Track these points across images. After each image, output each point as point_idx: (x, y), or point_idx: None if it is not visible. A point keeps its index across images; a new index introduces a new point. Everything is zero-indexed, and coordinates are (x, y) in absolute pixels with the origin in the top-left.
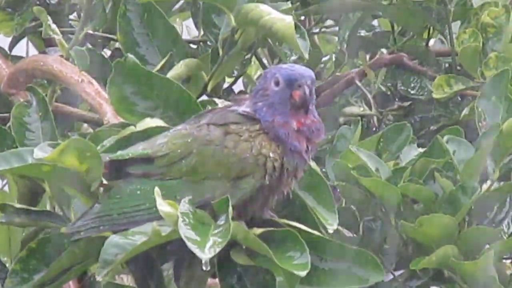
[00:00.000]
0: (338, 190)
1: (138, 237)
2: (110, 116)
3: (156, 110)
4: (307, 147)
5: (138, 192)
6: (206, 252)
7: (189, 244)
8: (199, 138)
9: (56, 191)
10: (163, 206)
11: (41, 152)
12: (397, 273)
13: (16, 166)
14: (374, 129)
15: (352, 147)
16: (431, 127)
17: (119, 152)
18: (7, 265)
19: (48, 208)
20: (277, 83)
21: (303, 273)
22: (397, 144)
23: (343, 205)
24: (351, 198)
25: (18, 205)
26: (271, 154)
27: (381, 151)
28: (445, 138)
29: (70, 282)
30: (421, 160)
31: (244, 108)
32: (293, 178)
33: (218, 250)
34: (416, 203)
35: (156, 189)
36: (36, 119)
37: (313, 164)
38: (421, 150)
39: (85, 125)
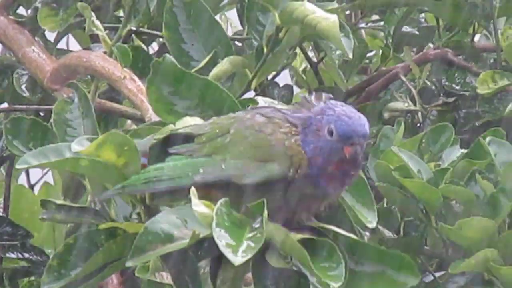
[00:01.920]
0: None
1: (173, 228)
2: (152, 113)
3: (195, 110)
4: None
5: (164, 166)
6: (239, 256)
7: (222, 248)
8: (242, 121)
9: (96, 186)
10: (198, 206)
11: (79, 146)
12: (437, 274)
13: (54, 160)
14: (418, 124)
15: (394, 147)
16: (476, 123)
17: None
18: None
19: (88, 202)
20: (330, 134)
21: (336, 285)
22: (439, 145)
23: (385, 205)
24: (392, 198)
25: (59, 202)
26: (300, 156)
27: (423, 151)
28: (487, 139)
29: (113, 276)
30: (462, 161)
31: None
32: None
33: (251, 255)
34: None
35: (192, 189)
36: (78, 115)
37: None
38: (463, 151)
39: (129, 121)
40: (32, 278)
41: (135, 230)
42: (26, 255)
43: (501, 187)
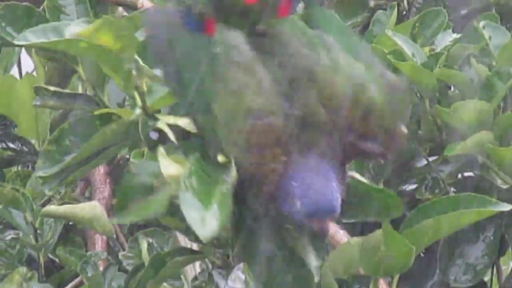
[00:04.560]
0: None
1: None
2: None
3: None
4: None
5: None
6: (207, 230)
7: (189, 222)
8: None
9: (90, 72)
10: (167, 168)
11: (77, 27)
12: (431, 158)
13: (54, 40)
14: (404, 12)
15: (388, 31)
16: (462, 11)
17: None
18: (36, 146)
19: (80, 91)
20: (297, 206)
21: None
22: (432, 30)
23: None
24: None
25: (52, 88)
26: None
27: (416, 36)
28: (482, 23)
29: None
30: (456, 45)
31: None
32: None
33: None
34: (451, 89)
35: (161, 150)
36: (71, 2)
37: None
38: (456, 36)
39: (120, 8)
40: (19, 168)
41: (129, 116)
42: (11, 145)
43: (496, 71)
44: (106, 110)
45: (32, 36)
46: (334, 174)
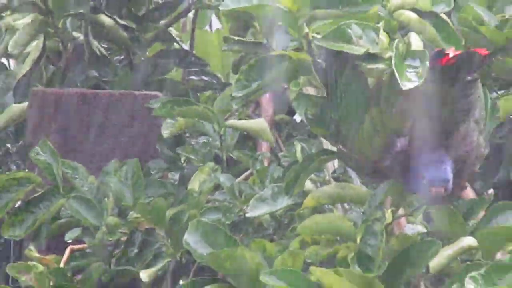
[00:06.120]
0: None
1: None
2: None
3: None
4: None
5: None
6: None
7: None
8: None
9: (265, 25)
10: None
11: None
12: (500, 91)
13: (247, 5)
14: None
15: (471, 4)
16: None
17: None
18: (221, 79)
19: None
20: (423, 178)
21: None
22: (502, 1)
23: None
24: (469, 39)
25: (236, 38)
26: None
27: (491, 7)
28: None
29: None
30: None
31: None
32: None
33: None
34: None
35: None
36: None
37: None
38: None
39: None
40: (209, 92)
41: (300, 57)
42: (204, 77)
43: None
44: (281, 52)
45: (231, 3)
46: (448, 161)
